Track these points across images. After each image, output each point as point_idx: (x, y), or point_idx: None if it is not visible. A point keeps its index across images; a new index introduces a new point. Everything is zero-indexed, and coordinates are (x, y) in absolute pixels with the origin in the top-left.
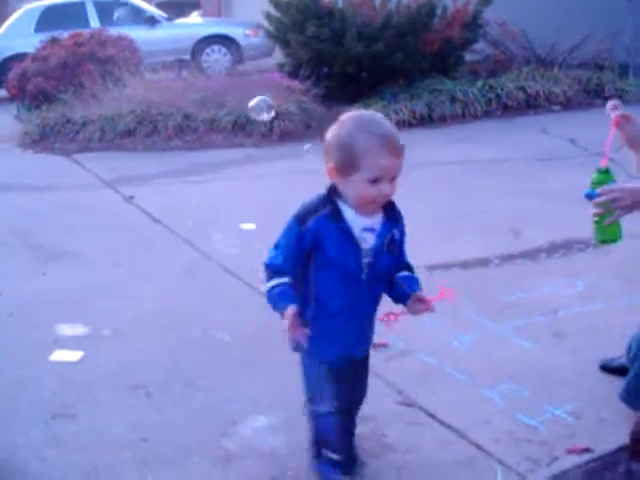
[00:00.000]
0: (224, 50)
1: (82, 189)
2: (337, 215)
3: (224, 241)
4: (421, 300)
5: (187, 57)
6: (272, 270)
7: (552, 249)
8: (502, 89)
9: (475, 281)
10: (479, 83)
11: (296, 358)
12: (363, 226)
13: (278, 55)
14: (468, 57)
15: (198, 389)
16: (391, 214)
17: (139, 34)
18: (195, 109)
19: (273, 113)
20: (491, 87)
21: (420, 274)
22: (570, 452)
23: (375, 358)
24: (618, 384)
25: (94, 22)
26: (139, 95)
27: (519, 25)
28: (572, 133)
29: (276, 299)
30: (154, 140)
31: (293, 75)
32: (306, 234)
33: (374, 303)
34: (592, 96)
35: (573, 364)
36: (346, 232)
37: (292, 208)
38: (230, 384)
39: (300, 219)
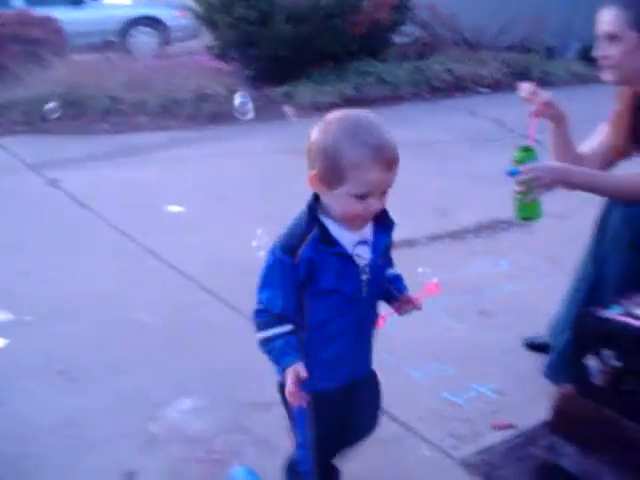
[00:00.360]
0: (152, 32)
1: (5, 173)
2: (327, 237)
3: (150, 224)
4: (409, 301)
5: (114, 38)
6: (270, 316)
7: (478, 229)
8: (430, 71)
9: (402, 261)
10: (408, 65)
11: (222, 339)
12: (355, 240)
13: (206, 37)
14: (397, 39)
15: (123, 373)
16: (383, 221)
17: (65, 14)
18: (122, 91)
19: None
20: (420, 69)
21: None
22: (494, 428)
23: None
24: (542, 361)
25: (18, 1)
26: (65, 77)
27: (449, 8)
28: (499, 115)
29: (279, 352)
30: (80, 123)
31: (221, 57)
32: (299, 265)
33: (374, 317)
34: (519, 78)
35: (498, 343)
36: (342, 256)
37: (221, 191)
38: (155, 367)
39: (290, 249)
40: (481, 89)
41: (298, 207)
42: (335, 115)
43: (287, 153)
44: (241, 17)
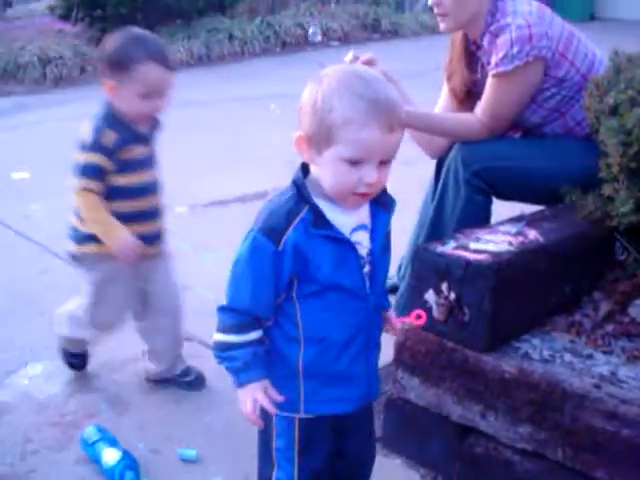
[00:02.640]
0: None
1: None
2: (320, 218)
3: None
4: (389, 322)
5: None
6: (236, 317)
7: None
8: (280, 26)
9: (253, 214)
10: (257, 21)
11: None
12: (352, 224)
13: None
14: None
15: None
16: (381, 200)
17: None
18: None
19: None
20: (269, 25)
21: (199, 212)
22: None
23: None
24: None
25: None
26: None
27: None
28: None
29: (243, 364)
30: None
31: (65, 18)
32: (284, 254)
33: (381, 324)
34: (369, 30)
35: None
36: (339, 240)
37: (68, 156)
38: (1, 334)
39: (273, 232)
40: (332, 42)
41: None
42: (332, 68)
43: None
44: None
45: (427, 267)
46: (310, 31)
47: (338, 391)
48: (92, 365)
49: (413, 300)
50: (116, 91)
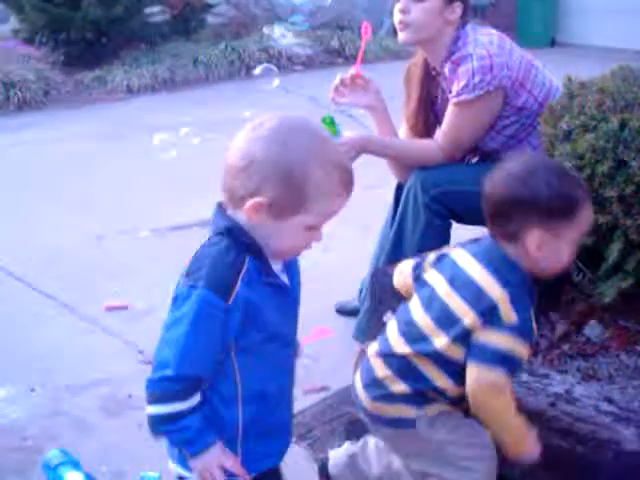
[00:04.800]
0: None
1: None
2: (265, 265)
3: None
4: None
5: None
6: (176, 384)
7: None
8: (244, 51)
9: None
10: (222, 45)
11: (34, 326)
12: (280, 269)
13: (14, 21)
14: (211, 20)
15: None
16: None
17: None
18: None
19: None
20: (234, 49)
21: (162, 236)
22: (307, 392)
23: (115, 319)
24: (352, 324)
25: None
26: None
27: None
28: (313, 91)
29: (193, 433)
30: None
31: (29, 41)
32: (234, 310)
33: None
34: (334, 55)
35: (311, 311)
36: (279, 286)
37: (29, 179)
38: None
39: (219, 288)
40: (296, 67)
41: (110, 193)
42: (285, 122)
43: (99, 138)
44: None
45: (381, 288)
46: (257, 71)
47: (272, 444)
48: (55, 389)
49: (373, 322)
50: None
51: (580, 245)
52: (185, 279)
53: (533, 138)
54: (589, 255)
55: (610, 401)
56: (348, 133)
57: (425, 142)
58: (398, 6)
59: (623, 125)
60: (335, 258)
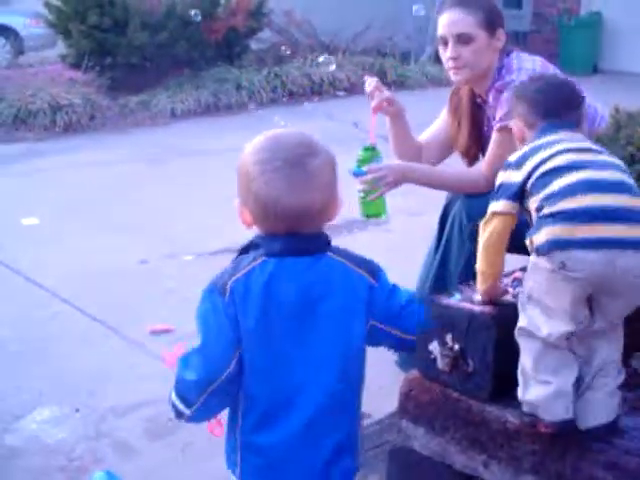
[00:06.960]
0: (3, 41)
1: None
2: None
3: (5, 238)
4: None
5: None
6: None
7: (335, 229)
8: (287, 76)
9: None
10: (265, 71)
11: (80, 348)
12: None
13: (61, 46)
14: (254, 45)
15: None
16: None
17: None
18: None
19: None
20: (276, 75)
21: (205, 260)
22: None
23: (160, 343)
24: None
25: None
26: None
27: (304, 14)
28: (356, 117)
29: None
30: None
31: (76, 66)
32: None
33: None
34: None
35: None
36: None
37: (77, 202)
38: (11, 378)
39: None
40: (338, 92)
41: (155, 216)
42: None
43: (143, 162)
44: (95, 25)
45: (432, 318)
46: (321, 59)
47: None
48: (99, 410)
49: (418, 351)
50: None
51: None
52: None
53: None
54: None
55: None
56: (388, 161)
57: (469, 170)
58: (447, 54)
59: None
60: None
